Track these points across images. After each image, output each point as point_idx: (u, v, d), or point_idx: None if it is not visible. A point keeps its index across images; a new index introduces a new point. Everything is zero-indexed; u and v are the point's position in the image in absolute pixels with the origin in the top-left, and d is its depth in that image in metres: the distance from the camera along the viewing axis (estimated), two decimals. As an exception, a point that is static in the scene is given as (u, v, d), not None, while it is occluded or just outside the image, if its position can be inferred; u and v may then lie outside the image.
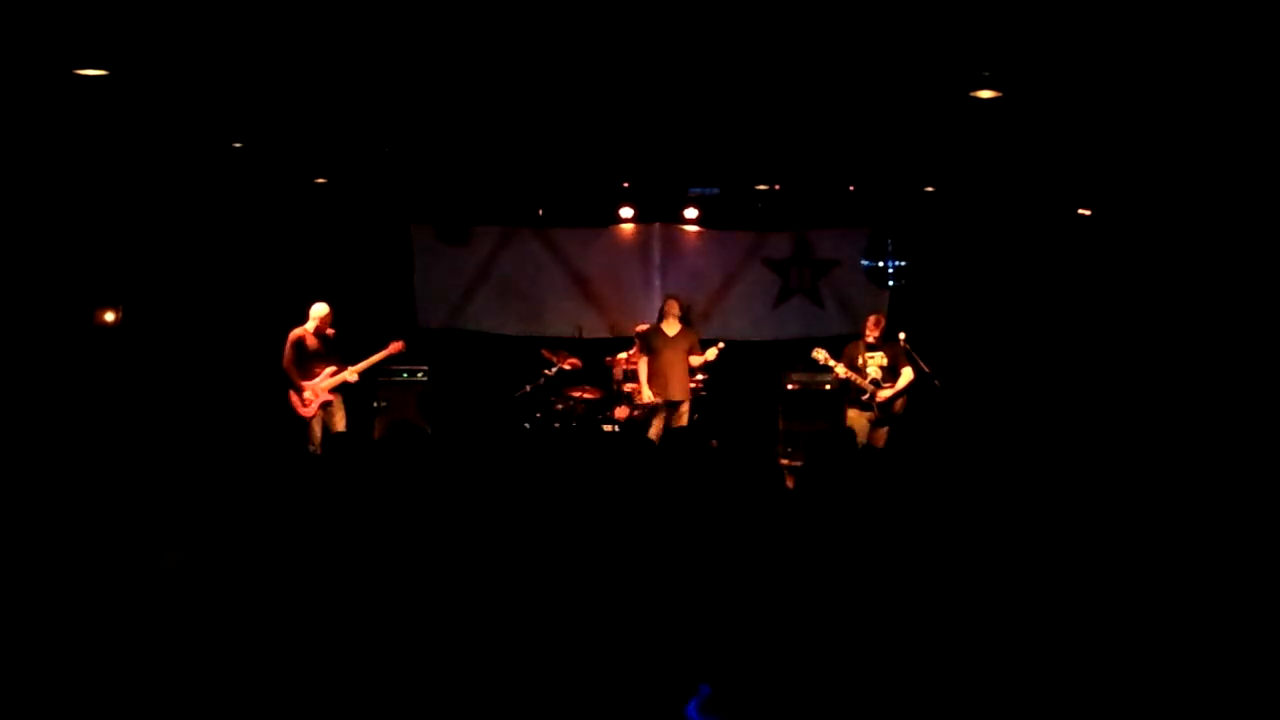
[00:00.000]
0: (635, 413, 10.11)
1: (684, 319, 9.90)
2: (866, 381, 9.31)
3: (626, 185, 11.45)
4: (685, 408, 9.77)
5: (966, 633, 3.48)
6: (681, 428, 9.41)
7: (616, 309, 11.44)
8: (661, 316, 9.91)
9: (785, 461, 10.01)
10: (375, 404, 10.24)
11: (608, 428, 10.29)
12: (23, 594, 3.78)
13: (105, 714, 3.24)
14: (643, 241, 11.94)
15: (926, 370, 9.30)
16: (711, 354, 9.69)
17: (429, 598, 3.77)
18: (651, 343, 9.79)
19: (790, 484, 5.70)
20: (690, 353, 9.75)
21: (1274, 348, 8.67)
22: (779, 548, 4.05)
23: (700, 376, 10.38)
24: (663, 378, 9.68)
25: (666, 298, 10.08)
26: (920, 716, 3.23)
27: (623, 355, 10.71)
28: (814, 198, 11.38)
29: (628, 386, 10.51)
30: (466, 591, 3.80)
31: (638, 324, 10.38)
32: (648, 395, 9.74)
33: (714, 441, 6.88)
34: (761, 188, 11.30)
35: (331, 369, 9.09)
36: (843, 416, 9.57)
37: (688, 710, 2.23)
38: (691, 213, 11.64)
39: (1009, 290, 11.01)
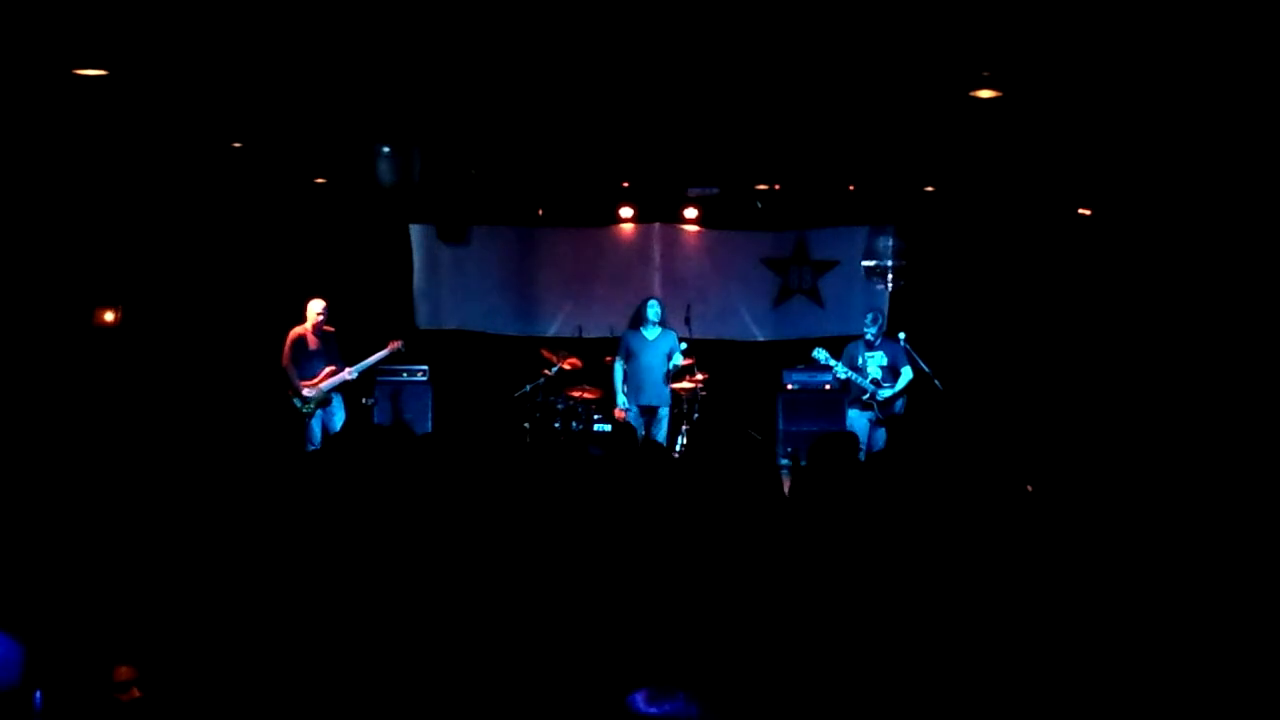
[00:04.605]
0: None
1: (665, 321, 9.78)
2: (867, 381, 9.31)
3: (626, 185, 11.45)
4: (664, 412, 9.70)
5: (966, 634, 3.48)
6: (654, 442, 9.33)
7: (616, 309, 11.43)
8: (639, 320, 9.75)
9: (785, 462, 10.00)
10: (364, 400, 10.21)
11: (604, 426, 10.30)
12: (24, 592, 3.78)
13: (105, 710, 3.23)
14: (643, 241, 11.93)
15: (927, 370, 9.30)
16: (679, 360, 9.60)
17: (427, 597, 3.77)
18: (630, 346, 9.73)
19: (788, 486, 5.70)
20: (669, 355, 9.66)
21: (1274, 348, 8.67)
22: (777, 549, 4.05)
23: (701, 376, 10.37)
24: (639, 383, 9.61)
25: (644, 301, 9.88)
26: (918, 717, 3.23)
27: (621, 355, 10.70)
28: (813, 197, 11.37)
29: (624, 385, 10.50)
30: (464, 591, 3.80)
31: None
32: (620, 402, 9.71)
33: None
34: (761, 187, 11.30)
35: (330, 369, 9.09)
36: (843, 416, 9.57)
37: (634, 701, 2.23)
38: (691, 213, 11.64)
39: (1009, 290, 11.00)
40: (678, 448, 10.06)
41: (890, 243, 11.44)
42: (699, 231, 11.86)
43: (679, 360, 9.64)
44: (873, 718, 3.24)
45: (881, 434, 9.33)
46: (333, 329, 9.23)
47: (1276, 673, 3.29)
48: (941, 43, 6.03)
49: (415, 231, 11.79)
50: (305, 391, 9.03)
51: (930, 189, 10.95)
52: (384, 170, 9.40)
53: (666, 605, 3.64)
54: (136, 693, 3.28)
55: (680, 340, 9.83)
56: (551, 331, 11.66)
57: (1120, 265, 10.18)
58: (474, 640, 3.50)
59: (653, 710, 2.21)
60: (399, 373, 10.51)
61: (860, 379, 9.30)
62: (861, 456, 6.11)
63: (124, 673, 3.31)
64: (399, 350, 9.48)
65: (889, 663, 3.33)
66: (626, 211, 11.69)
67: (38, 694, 2.53)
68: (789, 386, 10.75)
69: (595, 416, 10.47)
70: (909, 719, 3.24)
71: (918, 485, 4.78)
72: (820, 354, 9.39)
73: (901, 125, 8.28)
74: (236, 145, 9.22)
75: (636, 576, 3.85)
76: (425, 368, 10.70)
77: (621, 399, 9.79)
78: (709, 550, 4.01)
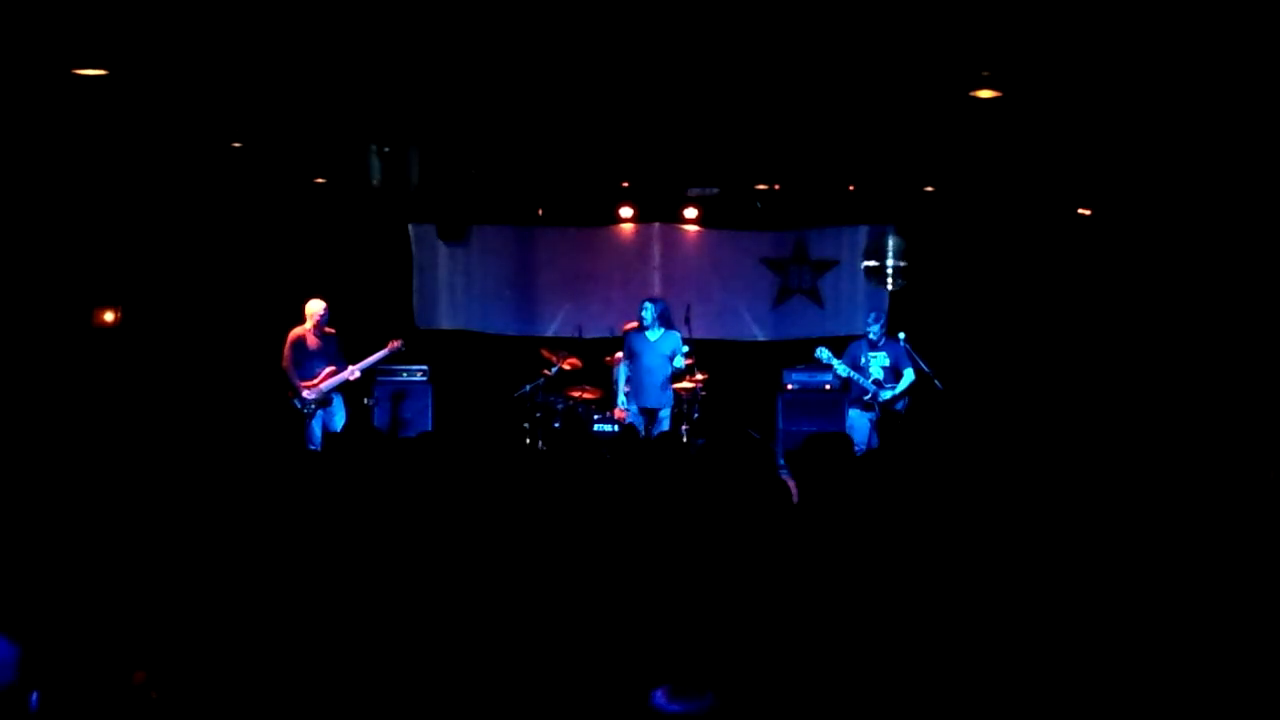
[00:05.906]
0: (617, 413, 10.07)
1: (668, 321, 9.66)
2: (869, 381, 9.31)
3: (626, 185, 11.45)
4: (665, 414, 9.66)
5: (966, 635, 3.48)
6: (663, 432, 9.30)
7: (616, 309, 11.42)
8: (642, 320, 9.59)
9: (785, 463, 9.99)
10: (364, 400, 10.21)
11: (605, 426, 10.29)
12: (25, 592, 3.78)
13: (104, 710, 3.23)
14: (642, 241, 11.93)
15: (927, 370, 9.29)
16: (681, 362, 9.54)
17: (428, 598, 3.77)
18: (633, 347, 9.69)
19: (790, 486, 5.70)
20: (671, 357, 9.59)
21: (1273, 348, 8.67)
22: (777, 550, 4.04)
23: (700, 376, 10.36)
24: (640, 384, 9.58)
25: (644, 301, 9.70)
26: (919, 717, 3.23)
27: (621, 354, 10.69)
28: (813, 197, 11.37)
29: (625, 386, 10.49)
30: (465, 592, 3.80)
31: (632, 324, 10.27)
32: (621, 402, 9.69)
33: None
34: (761, 187, 11.30)
35: (330, 369, 9.09)
36: (843, 416, 9.56)
37: (655, 698, 2.24)
38: (691, 213, 11.64)
39: (1009, 290, 11.01)
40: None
41: (890, 242, 11.45)
42: (699, 231, 11.86)
43: (680, 362, 9.59)
44: (873, 716, 3.24)
45: (883, 435, 9.33)
46: (333, 330, 9.22)
47: (1276, 672, 3.29)
48: (941, 43, 6.04)
49: (415, 231, 11.79)
50: (305, 393, 9.02)
51: (930, 189, 10.96)
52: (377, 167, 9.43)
53: (672, 604, 3.64)
54: (154, 694, 3.28)
55: (683, 342, 9.79)
56: (551, 331, 11.66)
57: (1120, 265, 10.18)
58: (478, 640, 3.50)
59: (675, 708, 2.21)
60: (399, 373, 10.52)
61: (862, 379, 9.30)
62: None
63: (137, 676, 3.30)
64: (399, 350, 9.48)
65: (889, 661, 3.33)
66: (626, 211, 11.69)
67: (34, 695, 2.53)
68: (789, 386, 10.75)
69: (595, 417, 10.47)
70: (910, 717, 3.24)
71: (915, 484, 4.78)
72: (823, 353, 9.38)
73: (901, 125, 8.28)
74: (236, 145, 9.22)
75: (640, 575, 3.85)
76: (425, 368, 10.71)
77: (622, 399, 9.78)
78: (709, 549, 4.01)
